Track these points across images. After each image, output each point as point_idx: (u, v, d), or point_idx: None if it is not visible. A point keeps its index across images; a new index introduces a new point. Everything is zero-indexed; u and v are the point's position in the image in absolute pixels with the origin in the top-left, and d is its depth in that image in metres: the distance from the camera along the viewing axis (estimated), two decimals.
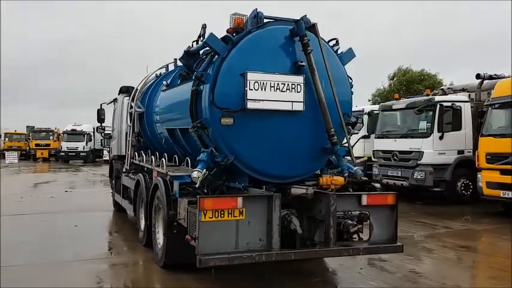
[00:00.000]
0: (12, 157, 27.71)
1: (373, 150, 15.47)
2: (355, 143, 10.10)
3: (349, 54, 6.39)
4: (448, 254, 7.84)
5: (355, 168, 6.80)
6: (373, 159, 15.52)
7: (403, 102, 14.71)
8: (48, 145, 40.92)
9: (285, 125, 5.78)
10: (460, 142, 13.40)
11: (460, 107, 13.38)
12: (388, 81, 41.43)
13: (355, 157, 6.44)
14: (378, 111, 15.98)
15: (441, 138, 13.15)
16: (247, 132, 5.64)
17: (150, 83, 10.03)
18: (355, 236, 5.81)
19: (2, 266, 6.53)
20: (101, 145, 34.89)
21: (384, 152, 14.86)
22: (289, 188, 5.94)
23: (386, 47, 77.63)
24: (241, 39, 5.71)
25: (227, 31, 5.86)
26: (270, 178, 5.96)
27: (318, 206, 5.79)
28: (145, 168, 8.42)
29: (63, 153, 37.32)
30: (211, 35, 5.67)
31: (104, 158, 34.95)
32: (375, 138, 15.52)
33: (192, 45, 6.56)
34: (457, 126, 13.35)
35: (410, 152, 13.75)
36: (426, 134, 13.42)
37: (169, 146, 7.84)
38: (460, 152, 13.41)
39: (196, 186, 5.74)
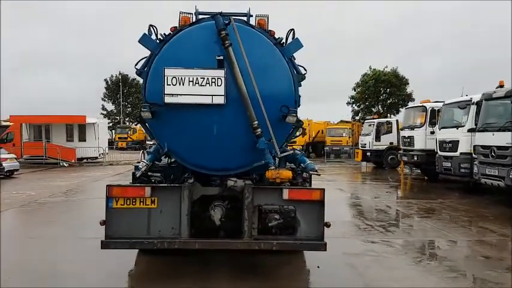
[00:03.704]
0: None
1: (474, 145, 13.76)
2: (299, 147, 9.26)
3: (295, 45, 6.10)
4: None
5: (308, 162, 6.56)
6: (473, 155, 13.84)
7: (503, 90, 12.72)
8: None
9: (213, 119, 5.84)
10: None
11: None
12: None
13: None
14: None
15: None
16: (173, 126, 5.89)
17: None
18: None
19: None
20: None
21: (483, 147, 13.12)
22: (225, 181, 6.07)
23: None
24: (173, 37, 6.00)
25: (170, 29, 6.19)
26: (207, 170, 6.12)
27: None
28: None
29: None
30: (144, 34, 6.05)
31: None
32: (476, 131, 13.77)
33: None
34: None
35: (507, 148, 11.88)
36: None
37: None
38: None
39: (137, 175, 6.29)
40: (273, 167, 5.75)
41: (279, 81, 5.97)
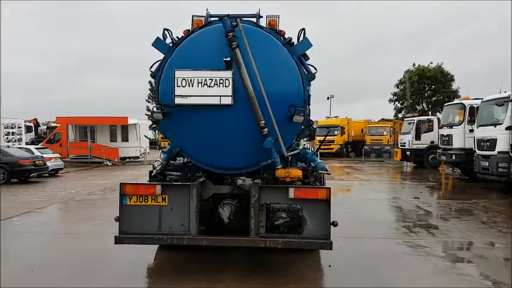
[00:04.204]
0: None
1: (510, 144, 13.27)
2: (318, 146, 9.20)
3: (304, 45, 6.14)
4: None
5: (318, 161, 6.58)
6: (511, 154, 13.33)
7: None
8: None
9: (221, 119, 5.97)
10: None
11: None
12: None
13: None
14: None
15: None
16: (184, 126, 6.08)
17: None
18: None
19: None
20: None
21: None
22: (236, 179, 6.19)
23: None
24: (184, 40, 6.17)
25: (183, 32, 6.38)
26: (217, 169, 6.26)
27: None
28: None
29: None
30: (157, 38, 6.26)
31: None
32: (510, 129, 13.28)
33: None
34: None
35: None
36: None
37: None
38: None
39: (152, 174, 6.53)
40: (279, 166, 5.82)
41: (287, 80, 6.02)
